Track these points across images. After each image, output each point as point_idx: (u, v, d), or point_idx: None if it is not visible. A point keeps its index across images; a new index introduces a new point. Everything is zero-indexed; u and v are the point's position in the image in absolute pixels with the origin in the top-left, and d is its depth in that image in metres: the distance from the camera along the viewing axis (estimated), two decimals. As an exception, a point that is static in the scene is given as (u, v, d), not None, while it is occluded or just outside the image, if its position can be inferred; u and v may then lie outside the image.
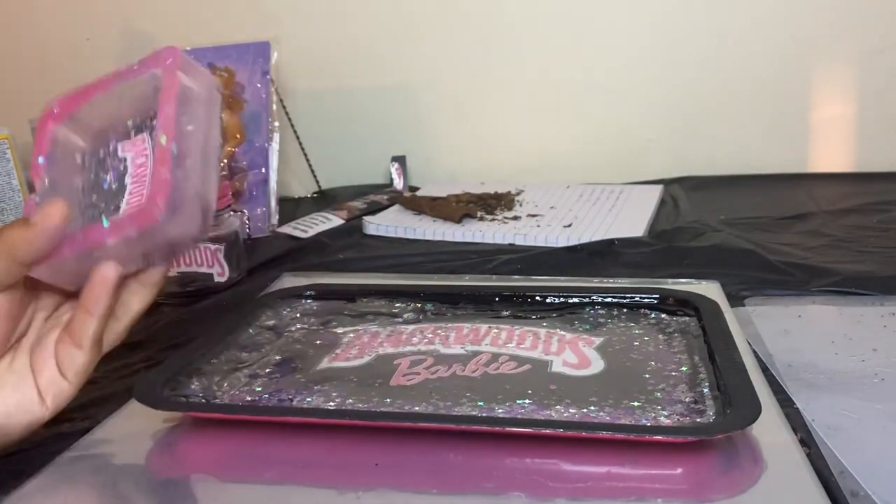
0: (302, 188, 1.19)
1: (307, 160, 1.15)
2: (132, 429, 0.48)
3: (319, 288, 0.67)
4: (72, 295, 0.47)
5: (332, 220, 0.99)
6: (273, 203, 1.01)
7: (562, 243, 0.82)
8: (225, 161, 1.06)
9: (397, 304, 0.63)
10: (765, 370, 0.53)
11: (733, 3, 1.06)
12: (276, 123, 1.03)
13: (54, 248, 0.42)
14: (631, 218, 0.90)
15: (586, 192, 1.02)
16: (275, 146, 1.03)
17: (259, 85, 1.07)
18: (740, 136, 1.10)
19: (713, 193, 1.02)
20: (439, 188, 1.06)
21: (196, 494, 0.42)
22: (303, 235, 0.95)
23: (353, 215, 1.01)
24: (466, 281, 0.72)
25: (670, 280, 0.67)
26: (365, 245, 0.90)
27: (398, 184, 1.13)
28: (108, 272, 0.43)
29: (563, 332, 0.56)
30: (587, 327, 0.57)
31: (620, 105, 1.12)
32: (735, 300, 0.64)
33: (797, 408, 0.48)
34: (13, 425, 0.44)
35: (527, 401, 0.46)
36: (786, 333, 0.59)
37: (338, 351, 0.55)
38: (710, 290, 0.64)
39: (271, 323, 0.61)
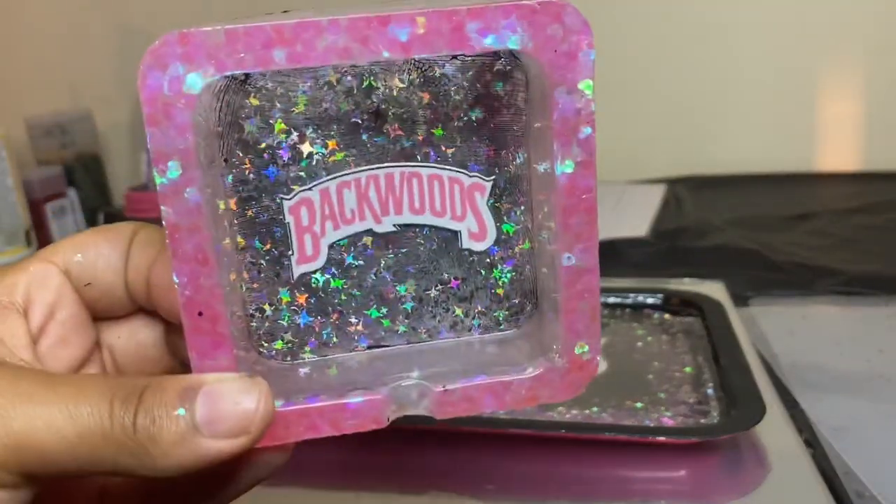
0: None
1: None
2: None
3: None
4: None
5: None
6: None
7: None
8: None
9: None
10: (769, 371, 0.52)
11: (738, 1, 1.06)
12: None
13: None
14: (633, 217, 0.89)
15: (589, 192, 1.01)
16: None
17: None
18: (745, 135, 1.10)
19: (717, 193, 1.01)
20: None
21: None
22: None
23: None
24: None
25: (674, 280, 0.67)
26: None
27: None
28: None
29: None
30: (589, 327, 0.56)
31: (622, 103, 1.11)
32: (739, 300, 0.64)
33: (802, 409, 0.48)
34: None
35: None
36: (791, 334, 0.58)
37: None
38: (715, 290, 0.63)
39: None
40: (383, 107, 0.24)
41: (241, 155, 0.24)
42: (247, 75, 0.24)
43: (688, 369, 0.49)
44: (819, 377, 0.52)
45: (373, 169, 0.25)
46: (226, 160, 0.24)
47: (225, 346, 0.23)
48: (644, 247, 0.78)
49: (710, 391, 0.46)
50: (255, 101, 0.24)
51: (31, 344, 0.24)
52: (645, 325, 0.56)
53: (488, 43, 0.22)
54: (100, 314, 0.26)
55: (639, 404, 0.45)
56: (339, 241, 0.25)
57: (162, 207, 0.22)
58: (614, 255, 0.76)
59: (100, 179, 1.10)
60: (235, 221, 0.24)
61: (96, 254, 0.26)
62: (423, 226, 0.25)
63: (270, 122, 0.24)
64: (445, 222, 0.25)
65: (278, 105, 0.24)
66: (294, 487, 0.41)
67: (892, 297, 0.64)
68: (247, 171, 0.24)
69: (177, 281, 0.22)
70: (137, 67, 0.21)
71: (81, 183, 1.05)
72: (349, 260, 0.25)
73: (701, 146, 1.11)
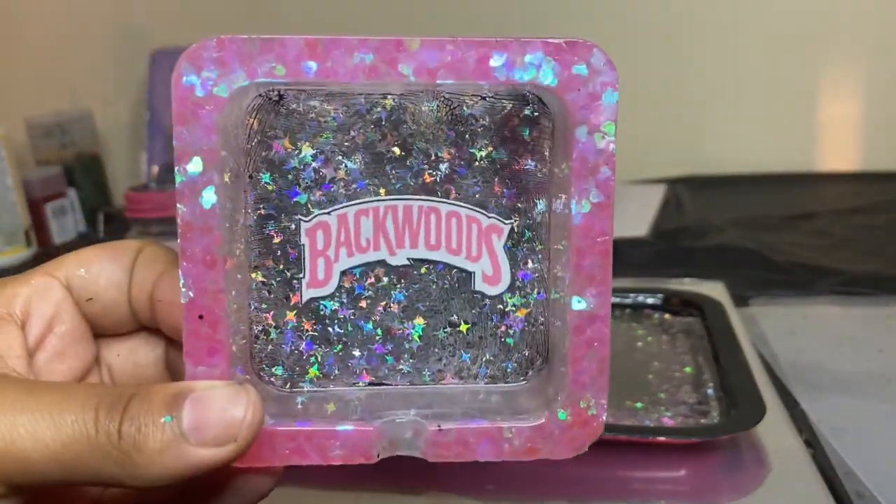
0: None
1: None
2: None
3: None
4: None
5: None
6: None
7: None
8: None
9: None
10: (770, 371, 0.52)
11: (738, 1, 1.06)
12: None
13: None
14: (633, 217, 0.89)
15: (589, 192, 1.01)
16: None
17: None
18: (745, 135, 1.09)
19: (717, 193, 1.01)
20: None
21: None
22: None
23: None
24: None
25: (674, 280, 0.67)
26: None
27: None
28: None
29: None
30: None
31: (622, 103, 1.11)
32: (740, 300, 0.64)
33: (802, 409, 0.48)
34: None
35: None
36: (791, 334, 0.58)
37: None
38: (715, 290, 0.63)
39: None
40: (410, 140, 0.24)
41: (265, 173, 0.24)
42: (280, 96, 0.24)
43: (688, 369, 0.49)
44: (819, 377, 0.52)
45: (392, 200, 0.24)
46: (250, 177, 0.24)
47: (221, 353, 0.23)
48: (644, 247, 0.78)
49: (710, 391, 0.46)
50: (285, 122, 0.24)
51: (26, 356, 0.24)
52: (645, 325, 0.56)
53: (512, 76, 0.22)
54: (102, 330, 0.26)
55: (639, 404, 0.45)
56: (351, 268, 0.25)
57: (178, 205, 0.22)
58: (614, 255, 0.76)
59: (99, 179, 1.10)
60: (252, 238, 0.24)
61: (99, 269, 0.25)
62: (437, 263, 0.25)
63: (298, 144, 0.24)
64: (460, 261, 0.25)
65: (308, 129, 0.24)
66: (294, 487, 0.41)
67: (892, 297, 0.64)
68: (269, 190, 0.24)
69: (182, 281, 0.22)
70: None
71: (81, 183, 1.05)
72: (359, 290, 0.25)
73: (701, 146, 1.11)
